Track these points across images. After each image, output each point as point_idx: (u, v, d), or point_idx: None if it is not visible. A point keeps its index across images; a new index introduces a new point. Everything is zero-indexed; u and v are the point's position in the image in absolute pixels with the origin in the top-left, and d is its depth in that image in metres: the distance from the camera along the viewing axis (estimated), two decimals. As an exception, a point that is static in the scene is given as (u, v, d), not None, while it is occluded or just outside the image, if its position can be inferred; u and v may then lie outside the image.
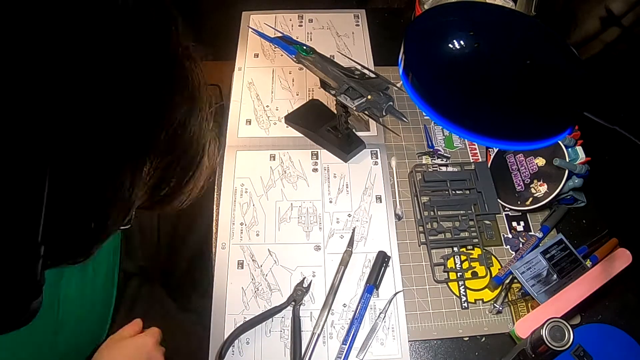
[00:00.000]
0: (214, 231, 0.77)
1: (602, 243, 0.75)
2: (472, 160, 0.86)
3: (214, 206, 0.80)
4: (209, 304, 0.71)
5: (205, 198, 0.87)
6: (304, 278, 0.72)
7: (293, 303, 0.70)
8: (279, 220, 0.78)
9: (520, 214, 0.81)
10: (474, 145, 0.88)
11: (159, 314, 0.85)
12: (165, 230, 0.94)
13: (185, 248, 0.98)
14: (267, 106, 0.91)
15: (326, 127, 0.85)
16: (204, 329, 0.69)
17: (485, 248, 0.77)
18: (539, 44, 0.55)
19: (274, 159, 0.84)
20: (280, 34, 0.78)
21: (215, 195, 0.81)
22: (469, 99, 0.51)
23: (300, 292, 0.70)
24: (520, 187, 0.79)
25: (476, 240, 0.77)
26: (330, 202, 0.80)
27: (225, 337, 0.67)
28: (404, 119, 0.65)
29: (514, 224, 0.80)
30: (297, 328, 0.67)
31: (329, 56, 0.74)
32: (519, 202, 0.79)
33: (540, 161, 0.78)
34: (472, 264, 0.75)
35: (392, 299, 0.71)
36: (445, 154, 0.86)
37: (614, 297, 0.72)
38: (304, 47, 0.73)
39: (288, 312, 0.70)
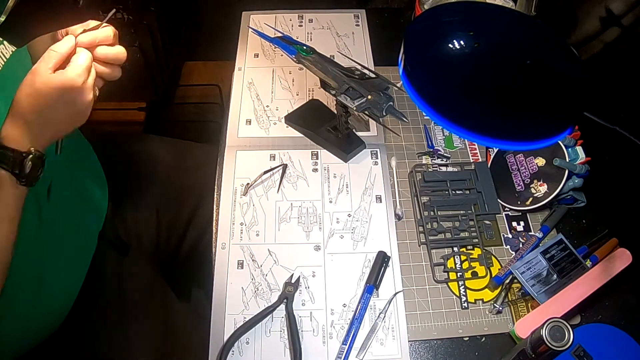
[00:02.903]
0: (214, 231, 0.77)
1: (602, 243, 0.75)
2: (472, 160, 0.86)
3: (214, 206, 0.80)
4: (209, 304, 0.71)
5: (206, 198, 0.87)
6: (292, 274, 0.72)
7: (285, 300, 0.70)
8: (279, 220, 0.78)
9: (520, 214, 0.81)
10: (474, 145, 0.88)
11: (159, 312, 0.85)
12: (164, 232, 0.94)
13: (184, 247, 0.98)
14: (267, 106, 0.91)
15: (326, 127, 0.85)
16: (203, 328, 0.69)
17: (485, 248, 0.77)
18: (539, 44, 0.55)
19: (274, 159, 0.84)
20: (280, 34, 0.78)
21: (215, 195, 0.81)
22: (469, 99, 0.51)
23: (290, 289, 0.70)
24: (520, 187, 0.79)
25: (476, 240, 0.77)
26: (330, 202, 0.80)
27: (225, 338, 0.67)
28: (404, 119, 0.65)
29: (514, 224, 0.80)
30: (292, 325, 0.67)
31: (329, 56, 0.74)
32: (519, 202, 0.79)
33: (540, 161, 0.78)
34: (472, 264, 0.75)
35: (392, 299, 0.71)
36: (445, 154, 0.86)
37: (614, 297, 0.72)
38: (304, 47, 0.73)
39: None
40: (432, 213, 0.79)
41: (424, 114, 0.52)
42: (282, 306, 0.70)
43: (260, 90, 0.93)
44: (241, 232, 0.77)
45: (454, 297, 0.73)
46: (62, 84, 0.57)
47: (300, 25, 1.04)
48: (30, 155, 0.57)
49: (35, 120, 0.57)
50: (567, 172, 0.74)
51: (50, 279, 0.70)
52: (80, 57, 0.59)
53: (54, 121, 0.59)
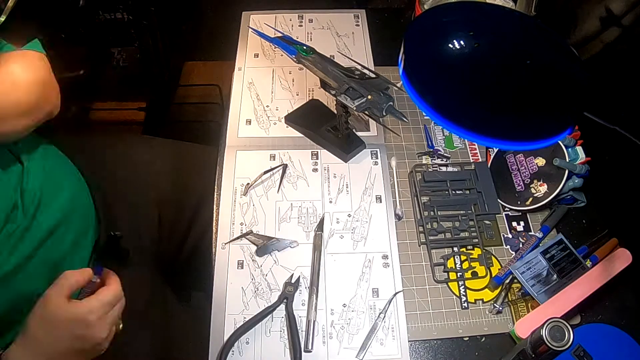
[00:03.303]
0: (214, 231, 0.77)
1: (602, 243, 0.75)
2: (472, 160, 0.86)
3: (214, 206, 0.80)
4: (209, 304, 0.70)
5: (206, 199, 0.87)
6: (292, 274, 0.72)
7: (285, 300, 0.70)
8: (279, 220, 0.78)
9: (520, 214, 0.81)
10: (474, 145, 0.88)
11: (159, 312, 0.85)
12: (166, 232, 0.94)
13: (185, 247, 0.98)
14: (267, 106, 0.91)
15: (326, 127, 0.85)
16: (203, 328, 0.69)
17: (485, 248, 0.77)
18: (539, 44, 0.55)
19: (274, 159, 0.84)
20: (280, 34, 0.78)
21: (215, 195, 0.81)
22: (469, 99, 0.51)
23: (290, 289, 0.70)
24: (520, 187, 0.79)
25: (476, 240, 0.77)
26: (330, 202, 0.80)
27: (225, 338, 0.67)
28: (404, 119, 0.65)
29: (514, 224, 0.80)
30: (292, 325, 0.67)
31: (329, 56, 0.74)
32: (519, 202, 0.79)
33: (540, 161, 0.78)
34: (472, 264, 0.75)
35: (392, 299, 0.71)
36: (445, 154, 0.86)
37: (614, 297, 0.72)
38: (304, 47, 0.73)
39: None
40: (432, 213, 0.79)
41: (424, 114, 0.52)
42: (282, 306, 0.70)
43: (260, 90, 0.93)
44: (241, 232, 0.77)
45: (454, 297, 0.73)
46: (72, 317, 0.56)
47: (300, 25, 1.04)
48: None
49: (45, 348, 0.56)
50: (567, 172, 0.74)
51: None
52: (103, 293, 0.58)
53: (63, 352, 0.57)
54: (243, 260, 0.74)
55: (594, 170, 0.76)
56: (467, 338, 0.70)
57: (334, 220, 0.78)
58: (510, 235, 0.78)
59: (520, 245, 0.77)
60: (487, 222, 0.80)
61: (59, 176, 0.79)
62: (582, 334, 0.67)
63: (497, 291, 0.73)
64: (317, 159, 0.84)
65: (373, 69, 0.87)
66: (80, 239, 0.79)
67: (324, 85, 0.74)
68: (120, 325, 0.63)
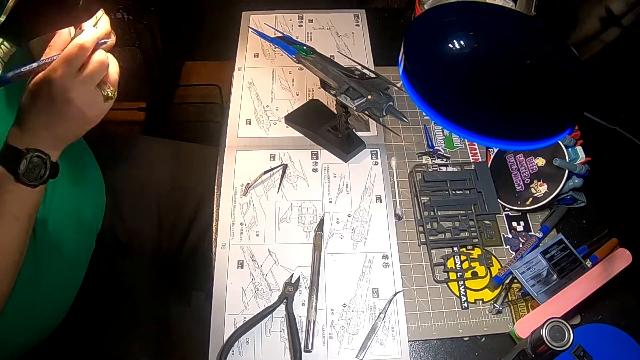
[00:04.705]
0: (214, 231, 0.77)
1: (602, 243, 0.75)
2: (472, 160, 0.86)
3: (214, 206, 0.80)
4: (209, 304, 0.70)
5: (207, 199, 0.87)
6: (292, 274, 0.72)
7: (285, 300, 0.70)
8: (279, 220, 0.78)
9: (520, 214, 0.81)
10: (474, 145, 0.88)
11: (159, 313, 0.85)
12: (167, 231, 0.94)
13: (186, 248, 0.98)
14: (267, 106, 0.91)
15: (326, 127, 0.85)
16: (203, 328, 0.69)
17: (485, 248, 0.77)
18: (539, 44, 0.55)
19: (274, 159, 0.84)
20: (280, 34, 0.78)
21: (215, 195, 0.81)
22: (469, 99, 0.51)
23: (290, 289, 0.70)
24: (520, 187, 0.79)
25: (476, 240, 0.77)
26: (330, 202, 0.80)
27: (225, 338, 0.67)
28: (404, 119, 0.65)
29: (514, 224, 0.80)
30: (292, 325, 0.67)
31: (329, 56, 0.74)
32: (519, 202, 0.79)
33: (540, 161, 0.78)
34: (472, 264, 0.75)
35: (392, 299, 0.71)
36: (445, 154, 0.86)
37: (614, 297, 0.72)
38: (304, 47, 0.73)
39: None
40: (432, 213, 0.79)
41: (424, 114, 0.52)
42: (282, 306, 0.70)
43: (260, 90, 0.93)
44: (241, 232, 0.77)
45: (454, 297, 0.73)
46: (35, 80, 0.56)
47: (300, 25, 1.04)
48: (28, 154, 0.55)
49: (30, 119, 0.56)
50: (567, 172, 0.74)
51: (46, 279, 0.70)
52: (67, 50, 0.56)
53: (45, 121, 0.57)
54: (243, 260, 0.74)
55: (594, 170, 0.76)
56: (467, 338, 0.70)
57: (334, 220, 0.78)
58: (510, 235, 0.78)
59: (520, 245, 0.77)
60: (487, 222, 0.80)
61: (86, 162, 0.82)
62: (582, 334, 0.67)
63: (497, 291, 0.73)
64: (317, 159, 0.84)
65: (373, 69, 0.87)
66: (92, 225, 0.80)
67: (324, 85, 0.74)
68: (111, 91, 0.62)
